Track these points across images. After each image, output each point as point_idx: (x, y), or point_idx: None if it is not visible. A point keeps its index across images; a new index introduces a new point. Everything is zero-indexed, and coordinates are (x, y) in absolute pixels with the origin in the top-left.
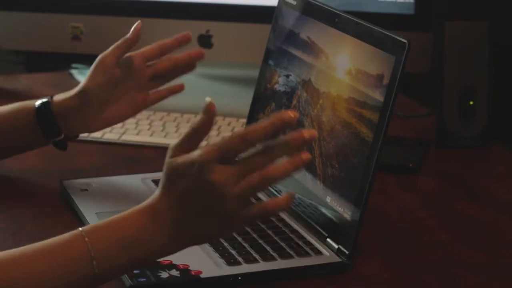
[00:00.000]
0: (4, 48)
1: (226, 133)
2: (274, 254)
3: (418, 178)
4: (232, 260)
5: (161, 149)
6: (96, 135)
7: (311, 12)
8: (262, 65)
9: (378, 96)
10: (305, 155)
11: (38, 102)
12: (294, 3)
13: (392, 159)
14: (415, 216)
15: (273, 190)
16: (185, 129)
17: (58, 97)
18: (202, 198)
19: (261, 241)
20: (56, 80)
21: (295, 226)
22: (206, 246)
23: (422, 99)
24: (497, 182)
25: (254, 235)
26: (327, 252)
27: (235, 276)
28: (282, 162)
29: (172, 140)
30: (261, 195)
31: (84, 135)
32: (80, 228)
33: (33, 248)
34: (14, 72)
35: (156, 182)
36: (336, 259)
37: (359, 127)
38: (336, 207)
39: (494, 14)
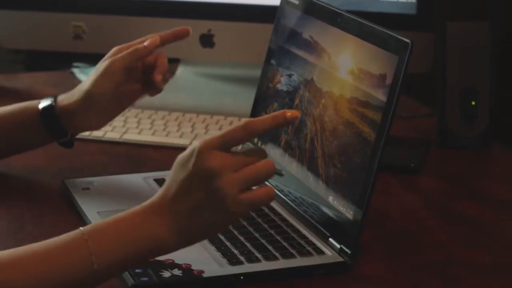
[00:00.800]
0: (4, 47)
1: None
2: (276, 253)
3: (420, 178)
4: (234, 260)
5: (163, 148)
6: (98, 134)
7: (313, 11)
8: (264, 64)
9: (380, 96)
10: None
11: (41, 105)
12: (297, 2)
13: (393, 159)
14: (416, 216)
15: (276, 190)
16: (186, 128)
17: (61, 99)
18: (201, 185)
19: (263, 241)
20: (57, 79)
21: (297, 225)
22: (208, 245)
23: (424, 99)
24: (498, 182)
25: (256, 235)
26: (329, 252)
27: (237, 275)
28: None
29: (173, 139)
30: None
31: (85, 134)
32: (81, 228)
33: (34, 248)
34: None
35: (158, 181)
36: (338, 258)
37: (361, 127)
38: (339, 207)
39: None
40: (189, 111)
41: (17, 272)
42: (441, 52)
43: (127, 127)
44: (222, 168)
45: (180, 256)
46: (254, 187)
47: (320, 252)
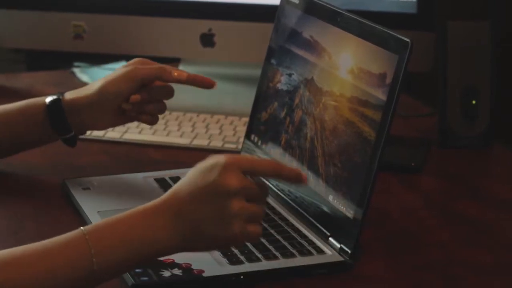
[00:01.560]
0: (5, 46)
1: (228, 132)
2: (276, 253)
3: (420, 178)
4: (234, 259)
5: (163, 148)
6: (98, 133)
7: (313, 11)
8: (264, 64)
9: (380, 95)
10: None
11: (48, 99)
12: (297, 2)
13: (394, 158)
14: (417, 216)
15: (276, 190)
16: (187, 128)
17: (69, 94)
18: (217, 199)
19: (263, 240)
20: (57, 78)
21: (297, 225)
22: None
23: (425, 99)
24: (498, 182)
25: None
26: (330, 251)
27: (237, 275)
28: None
29: (173, 139)
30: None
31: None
32: (82, 228)
33: (33, 247)
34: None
35: (158, 180)
36: (339, 258)
37: (361, 126)
38: (339, 206)
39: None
40: (190, 110)
41: (16, 272)
42: (442, 52)
43: (127, 126)
44: (240, 191)
45: (180, 255)
46: None
47: (320, 251)
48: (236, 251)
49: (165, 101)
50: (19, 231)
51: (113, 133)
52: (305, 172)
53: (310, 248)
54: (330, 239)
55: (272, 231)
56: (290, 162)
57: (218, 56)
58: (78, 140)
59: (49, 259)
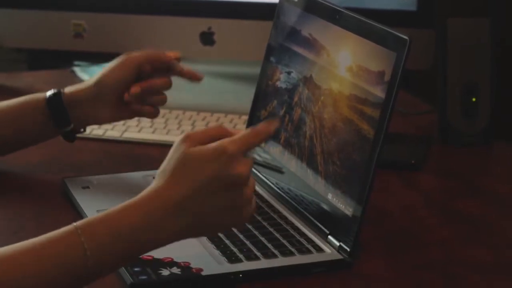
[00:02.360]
0: (6, 46)
1: None
2: (275, 251)
3: (420, 176)
4: (233, 258)
5: (163, 146)
6: (98, 132)
7: (312, 9)
8: (263, 62)
9: (379, 93)
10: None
11: (49, 93)
12: (296, 0)
13: (394, 156)
14: (416, 214)
15: (273, 186)
16: (187, 126)
17: (69, 89)
18: (229, 188)
19: (262, 238)
20: (58, 78)
21: (296, 223)
22: (207, 243)
23: (424, 96)
24: (499, 180)
25: (256, 232)
26: (329, 249)
27: (236, 273)
28: None
29: (173, 137)
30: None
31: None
32: (75, 223)
33: (27, 244)
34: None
35: None
36: (338, 256)
37: (360, 124)
38: (338, 204)
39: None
40: (190, 109)
41: (10, 268)
42: (442, 49)
43: (127, 125)
44: (248, 176)
45: (179, 254)
46: None
47: (319, 249)
48: (235, 249)
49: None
50: (18, 230)
51: (112, 132)
52: (305, 170)
53: (309, 246)
54: (329, 237)
55: (271, 229)
56: (289, 160)
57: (218, 54)
58: (77, 139)
59: (42, 254)
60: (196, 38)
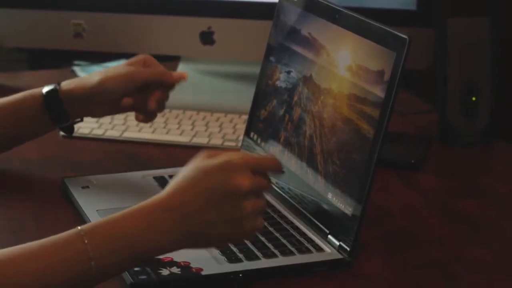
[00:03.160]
0: (6, 45)
1: (228, 129)
2: (275, 251)
3: (420, 175)
4: (233, 257)
5: (163, 146)
6: (98, 132)
7: (312, 8)
8: (263, 61)
9: (379, 92)
10: None
11: (45, 89)
12: None
13: (394, 155)
14: (416, 214)
15: (276, 188)
16: (187, 126)
17: (65, 84)
18: (229, 200)
19: (262, 238)
20: (58, 77)
21: (296, 223)
22: None
23: (424, 96)
24: (499, 180)
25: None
26: (329, 249)
27: (236, 273)
28: None
29: (173, 137)
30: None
31: (85, 132)
32: (79, 227)
33: (30, 246)
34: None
35: (157, 179)
36: (337, 256)
37: (360, 124)
38: (338, 203)
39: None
40: (189, 108)
41: (13, 271)
42: (442, 49)
43: (127, 125)
44: (252, 190)
45: (179, 254)
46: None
47: (319, 249)
48: (235, 249)
49: None
50: (18, 229)
51: (112, 132)
52: (304, 169)
53: (309, 245)
54: (329, 236)
55: (271, 229)
56: (289, 160)
57: (218, 54)
58: (77, 139)
59: (46, 257)
60: (196, 37)
